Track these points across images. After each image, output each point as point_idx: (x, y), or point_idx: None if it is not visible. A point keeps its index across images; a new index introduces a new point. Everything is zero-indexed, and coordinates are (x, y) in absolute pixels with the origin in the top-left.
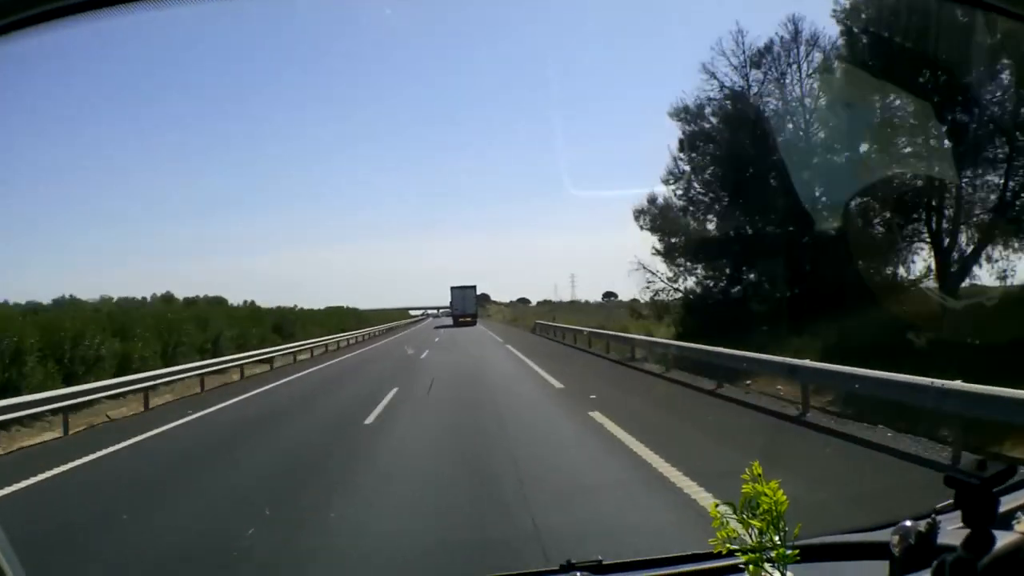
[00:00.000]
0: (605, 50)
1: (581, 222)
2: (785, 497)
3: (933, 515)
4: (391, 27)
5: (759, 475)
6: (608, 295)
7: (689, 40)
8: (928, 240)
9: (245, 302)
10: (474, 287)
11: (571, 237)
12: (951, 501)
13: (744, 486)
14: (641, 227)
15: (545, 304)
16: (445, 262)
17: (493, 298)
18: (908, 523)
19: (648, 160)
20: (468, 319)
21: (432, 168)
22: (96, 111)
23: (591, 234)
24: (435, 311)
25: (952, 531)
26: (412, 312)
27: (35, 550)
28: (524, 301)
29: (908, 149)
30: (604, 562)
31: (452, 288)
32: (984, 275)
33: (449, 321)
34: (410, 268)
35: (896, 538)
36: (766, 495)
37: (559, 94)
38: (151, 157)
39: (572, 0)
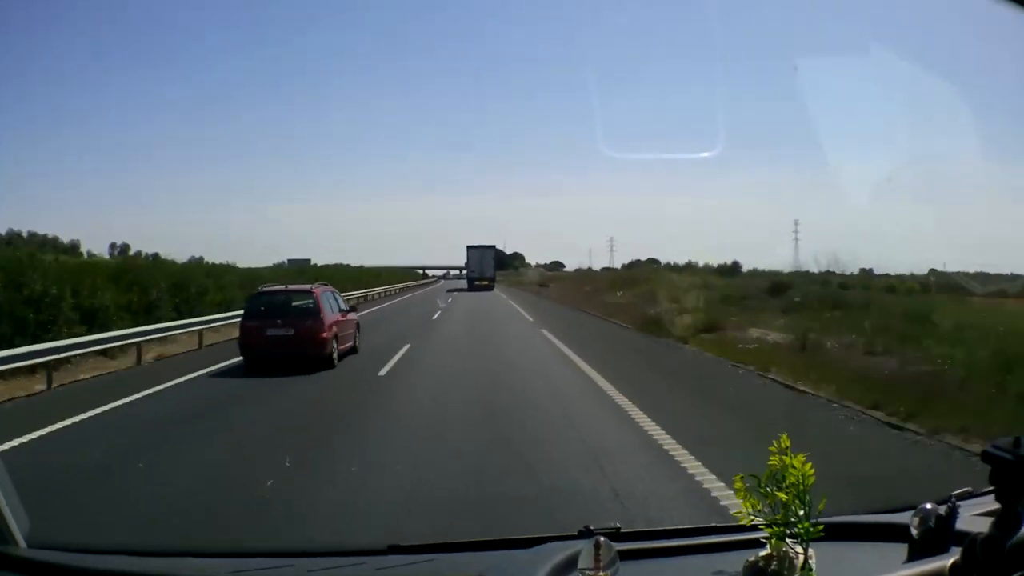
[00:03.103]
0: (643, 10)
1: (617, 185)
2: (812, 471)
3: (953, 500)
4: None
5: (787, 448)
6: (651, 260)
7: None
8: None
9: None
10: (493, 247)
11: (606, 200)
12: (969, 488)
13: (771, 458)
14: None
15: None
16: (473, 222)
17: (528, 260)
18: (928, 506)
19: (687, 124)
20: (485, 283)
21: (461, 126)
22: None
23: (628, 197)
24: (458, 271)
25: (970, 517)
26: (431, 273)
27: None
28: (558, 265)
29: None
30: (622, 530)
31: (468, 248)
32: None
33: (462, 284)
34: (432, 226)
35: (916, 520)
36: (793, 468)
37: (595, 56)
38: (130, 98)
39: None
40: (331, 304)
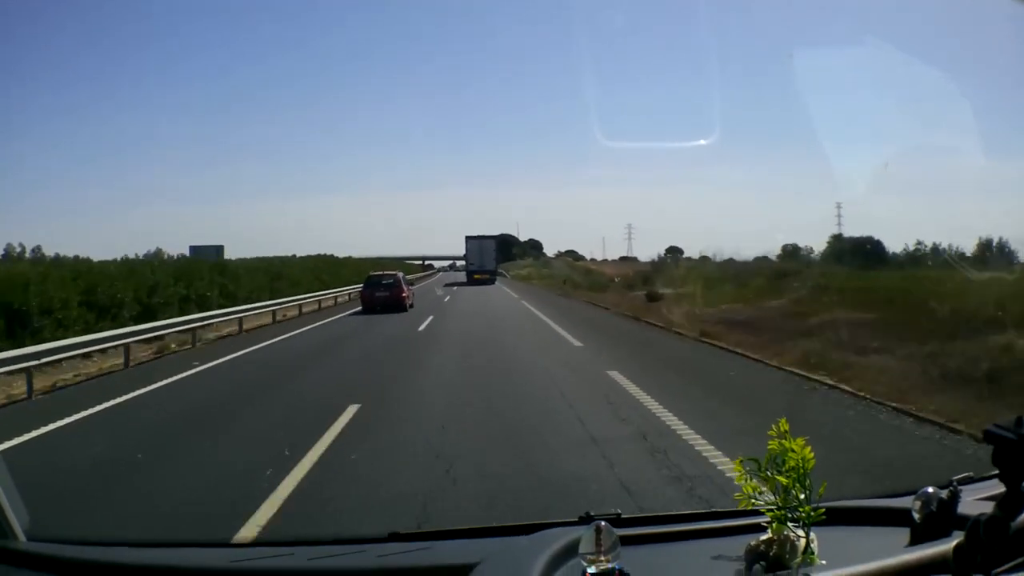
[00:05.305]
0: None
1: (624, 175)
2: (812, 454)
3: (954, 484)
4: None
5: (786, 432)
6: (672, 250)
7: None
8: None
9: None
10: (493, 238)
11: (613, 189)
12: (971, 473)
13: (770, 442)
14: None
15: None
16: (484, 213)
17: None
18: (930, 490)
19: (685, 114)
20: (485, 276)
21: (466, 115)
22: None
23: (634, 187)
24: (463, 263)
25: (972, 501)
26: (436, 264)
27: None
28: (572, 254)
29: None
30: (623, 515)
31: (467, 239)
32: None
33: (461, 277)
34: (443, 216)
35: (918, 504)
36: (793, 452)
37: (591, 44)
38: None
39: None
40: (404, 280)
